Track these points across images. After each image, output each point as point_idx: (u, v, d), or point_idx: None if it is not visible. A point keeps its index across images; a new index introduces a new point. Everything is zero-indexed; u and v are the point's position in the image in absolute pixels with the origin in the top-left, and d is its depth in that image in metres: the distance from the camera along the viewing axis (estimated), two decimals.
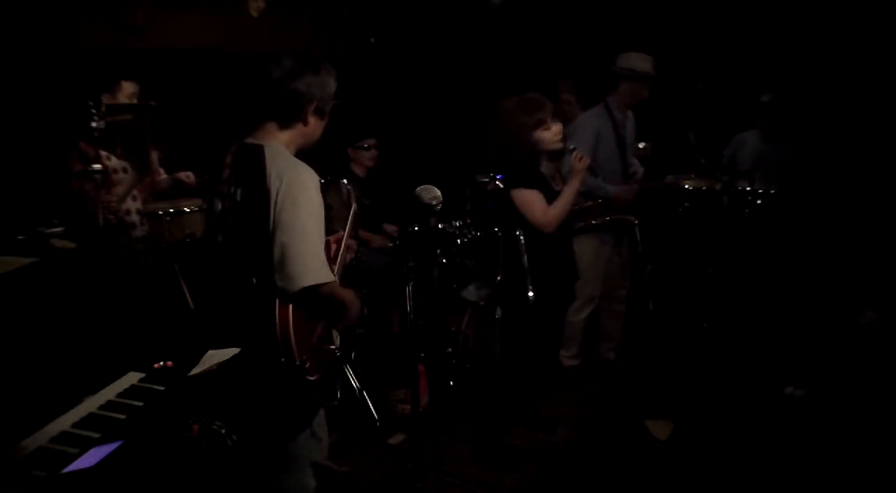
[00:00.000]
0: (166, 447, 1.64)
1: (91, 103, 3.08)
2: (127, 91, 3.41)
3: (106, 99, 3.30)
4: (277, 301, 1.92)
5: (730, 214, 3.92)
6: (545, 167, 3.15)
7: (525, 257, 3.12)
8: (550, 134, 3.03)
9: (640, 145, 4.00)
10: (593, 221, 3.81)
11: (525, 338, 3.25)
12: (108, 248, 3.17)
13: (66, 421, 1.54)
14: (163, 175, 3.66)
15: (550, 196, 3.07)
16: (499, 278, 3.11)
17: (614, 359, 4.21)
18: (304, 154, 2.10)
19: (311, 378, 1.96)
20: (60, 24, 3.74)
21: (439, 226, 4.10)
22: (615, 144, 3.86)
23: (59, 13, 3.73)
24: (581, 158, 3.01)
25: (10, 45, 3.50)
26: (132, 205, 3.38)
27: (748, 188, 3.84)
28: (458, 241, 4.12)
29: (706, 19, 4.90)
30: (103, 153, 3.21)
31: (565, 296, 3.41)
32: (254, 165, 1.96)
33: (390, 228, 4.23)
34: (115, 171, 3.33)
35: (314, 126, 2.07)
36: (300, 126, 2.04)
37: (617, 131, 3.87)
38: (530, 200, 3.03)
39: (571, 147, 3.05)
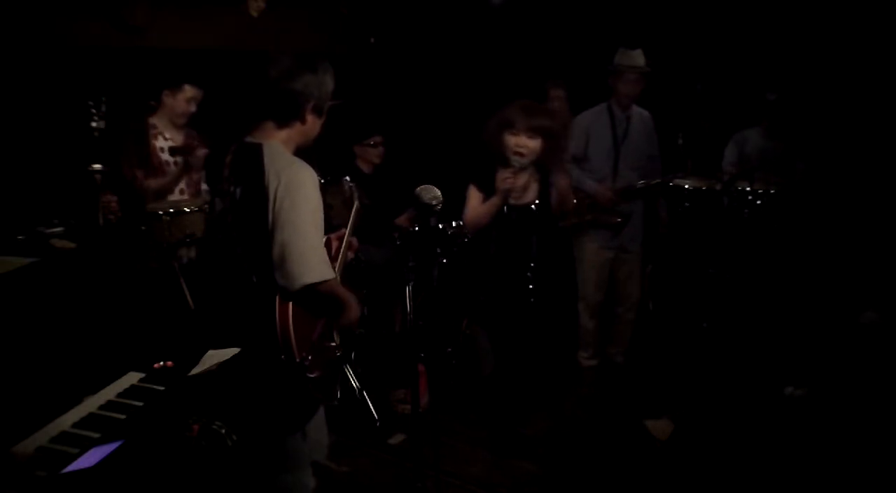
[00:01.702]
0: (166, 447, 1.63)
1: (91, 103, 3.09)
2: (188, 94, 3.42)
3: (166, 97, 3.39)
4: (277, 299, 1.92)
5: (730, 214, 3.91)
6: (511, 176, 3.02)
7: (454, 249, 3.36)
8: (511, 141, 3.00)
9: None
10: (575, 220, 3.80)
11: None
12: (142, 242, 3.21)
13: (66, 421, 1.55)
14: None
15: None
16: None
17: (622, 362, 4.20)
18: (310, 150, 2.11)
19: (312, 375, 1.96)
20: (60, 23, 3.74)
21: (439, 226, 4.11)
22: (609, 143, 3.85)
23: (59, 13, 3.72)
24: (504, 180, 2.98)
25: (9, 45, 3.49)
26: (180, 198, 3.44)
27: (748, 188, 3.83)
28: (459, 241, 4.12)
29: (706, 18, 4.89)
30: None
31: (557, 296, 3.43)
32: (252, 164, 1.97)
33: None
34: (168, 164, 3.40)
35: (312, 124, 2.08)
36: (298, 125, 2.05)
37: (614, 130, 3.86)
38: (469, 195, 3.16)
39: (518, 167, 3.01)
